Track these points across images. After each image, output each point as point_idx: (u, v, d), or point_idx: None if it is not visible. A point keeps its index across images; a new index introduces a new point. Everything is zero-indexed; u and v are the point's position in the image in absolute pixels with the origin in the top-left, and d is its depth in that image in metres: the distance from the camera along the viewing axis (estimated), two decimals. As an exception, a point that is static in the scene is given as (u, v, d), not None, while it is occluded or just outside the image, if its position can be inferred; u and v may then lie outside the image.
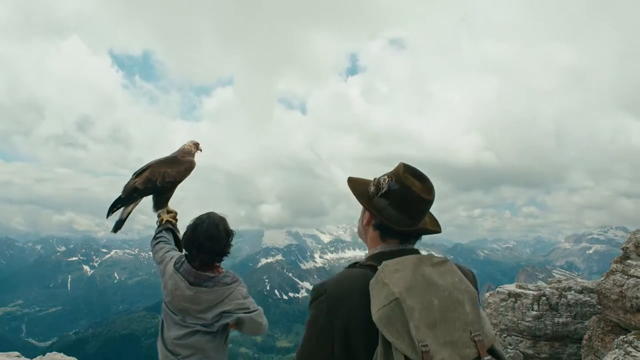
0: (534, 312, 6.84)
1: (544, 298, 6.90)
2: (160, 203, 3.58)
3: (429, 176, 1.75)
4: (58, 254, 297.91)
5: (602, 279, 5.74)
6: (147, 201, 3.65)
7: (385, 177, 1.90)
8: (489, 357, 1.81)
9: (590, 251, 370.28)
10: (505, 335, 7.06)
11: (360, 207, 2.03)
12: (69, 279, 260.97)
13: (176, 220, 3.60)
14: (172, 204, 3.68)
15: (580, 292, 6.88)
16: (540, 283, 8.03)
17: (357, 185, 2.01)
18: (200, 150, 3.85)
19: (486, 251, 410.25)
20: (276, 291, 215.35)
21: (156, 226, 3.55)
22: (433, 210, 1.78)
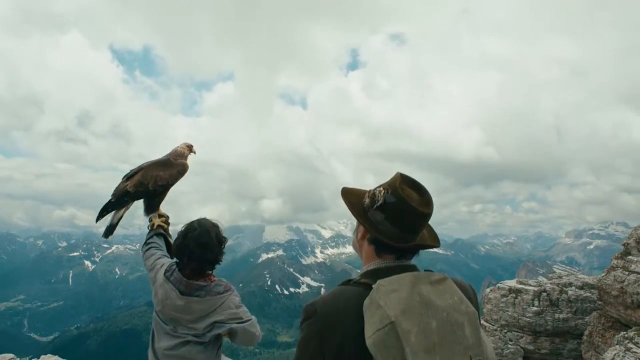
0: (535, 308, 6.84)
1: (544, 294, 6.89)
2: (151, 207, 3.47)
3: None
4: (59, 249, 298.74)
5: (603, 274, 5.73)
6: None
7: (381, 188, 1.79)
8: None
9: (591, 246, 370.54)
10: (505, 331, 7.07)
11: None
12: (71, 274, 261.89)
13: (168, 224, 3.49)
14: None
15: (581, 288, 6.87)
16: (540, 279, 8.02)
17: (351, 197, 1.89)
18: (194, 153, 3.72)
19: (487, 246, 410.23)
20: (277, 286, 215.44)
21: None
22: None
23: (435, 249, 1.74)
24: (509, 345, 6.89)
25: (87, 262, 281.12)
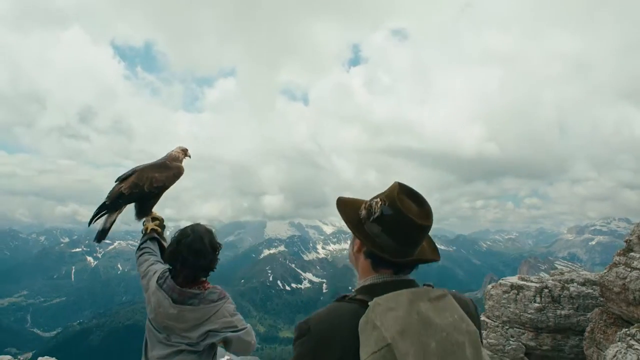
0: (536, 304, 6.84)
1: (546, 290, 6.89)
2: (144, 211, 3.34)
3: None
4: (62, 245, 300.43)
5: (605, 271, 5.73)
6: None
7: (378, 200, 1.69)
8: None
9: (593, 242, 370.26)
10: (507, 327, 7.07)
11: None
12: (73, 270, 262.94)
13: (163, 227, 3.38)
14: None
15: (583, 284, 6.87)
16: (542, 275, 8.03)
17: (346, 208, 1.80)
18: (189, 157, 3.61)
19: (489, 242, 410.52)
20: (279, 282, 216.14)
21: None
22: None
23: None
24: (511, 342, 6.90)
25: (89, 258, 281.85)
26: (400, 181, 1.73)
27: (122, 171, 3.41)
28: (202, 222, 2.89)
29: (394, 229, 1.67)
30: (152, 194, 3.30)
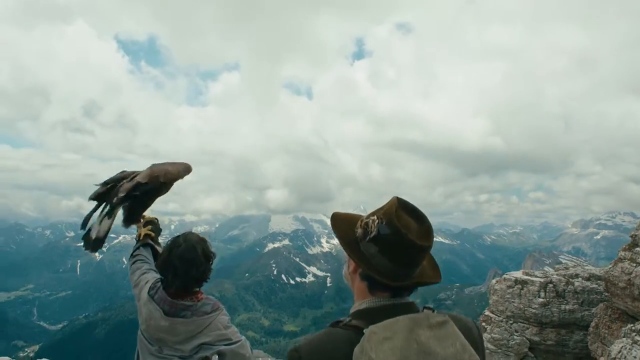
0: (541, 299, 6.82)
1: (550, 285, 6.87)
2: (133, 216, 3.14)
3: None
4: (67, 239, 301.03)
5: (610, 266, 5.70)
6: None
7: (375, 217, 1.56)
8: None
9: (598, 237, 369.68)
10: (511, 322, 7.06)
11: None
12: (78, 264, 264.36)
13: (159, 230, 3.24)
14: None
15: (588, 279, 6.84)
16: (547, 269, 8.00)
17: (342, 225, 1.64)
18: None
19: (493, 236, 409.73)
20: (283, 276, 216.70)
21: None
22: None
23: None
24: (515, 337, 6.89)
25: (94, 252, 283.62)
26: (399, 196, 1.57)
27: (126, 165, 3.38)
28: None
29: (391, 249, 1.55)
30: (165, 186, 3.13)
